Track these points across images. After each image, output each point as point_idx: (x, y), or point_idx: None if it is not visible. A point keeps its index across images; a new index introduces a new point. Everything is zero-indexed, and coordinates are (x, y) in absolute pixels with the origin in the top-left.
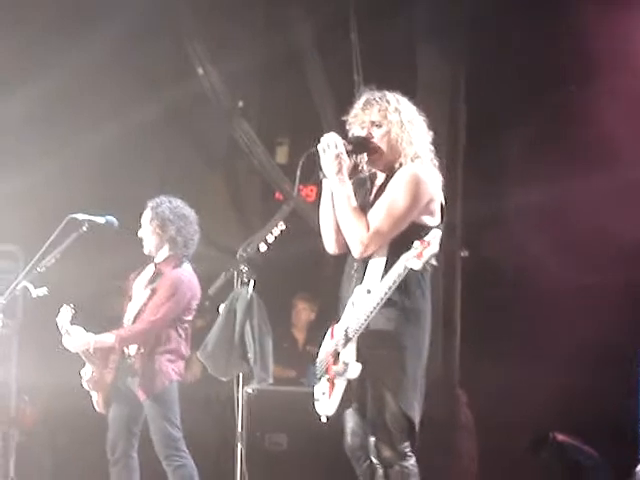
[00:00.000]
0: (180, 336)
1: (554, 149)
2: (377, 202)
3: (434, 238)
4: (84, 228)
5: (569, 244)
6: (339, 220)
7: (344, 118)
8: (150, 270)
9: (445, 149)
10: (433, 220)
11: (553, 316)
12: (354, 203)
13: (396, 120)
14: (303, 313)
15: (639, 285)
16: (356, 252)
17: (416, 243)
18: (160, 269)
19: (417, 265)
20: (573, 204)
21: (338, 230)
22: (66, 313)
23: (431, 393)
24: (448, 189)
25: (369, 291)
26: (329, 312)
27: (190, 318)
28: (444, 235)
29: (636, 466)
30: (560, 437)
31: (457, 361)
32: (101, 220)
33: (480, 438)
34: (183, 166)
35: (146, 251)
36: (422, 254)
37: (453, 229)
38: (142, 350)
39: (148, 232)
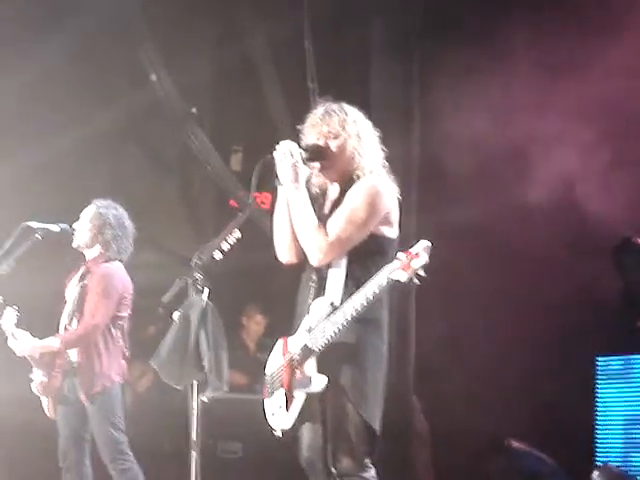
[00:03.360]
0: (116, 335)
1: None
2: (336, 211)
3: (423, 249)
4: (38, 236)
5: (522, 254)
6: (296, 228)
7: (300, 126)
8: (81, 269)
9: (400, 163)
10: (391, 231)
11: (508, 321)
12: (311, 210)
13: (354, 132)
14: (255, 321)
15: (598, 291)
16: (314, 260)
17: (400, 255)
18: (89, 267)
19: (404, 277)
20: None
21: (293, 238)
22: (10, 315)
23: (385, 400)
24: (403, 202)
25: (333, 304)
26: (281, 321)
27: (125, 314)
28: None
29: (591, 472)
30: (515, 444)
31: (412, 368)
32: (55, 228)
33: (435, 445)
34: (136, 173)
35: (75, 244)
36: (409, 265)
37: (408, 241)
38: (82, 353)
39: (85, 228)
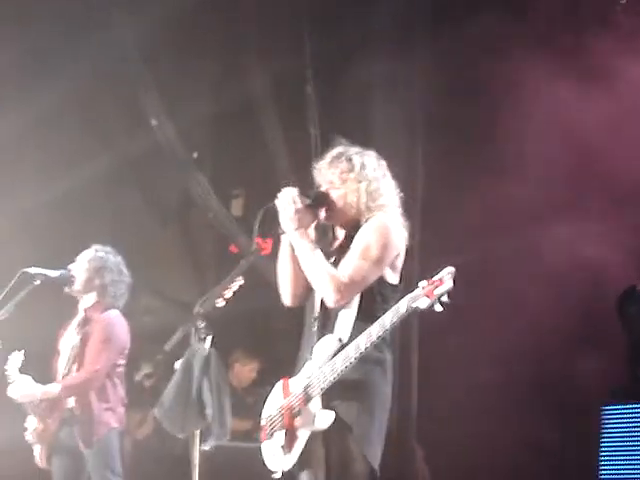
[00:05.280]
0: (115, 383)
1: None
2: (348, 251)
3: (447, 274)
4: (37, 282)
5: (524, 299)
6: (308, 273)
7: (314, 166)
8: (78, 317)
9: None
10: (395, 277)
11: (511, 368)
12: (320, 254)
13: (356, 183)
14: (249, 367)
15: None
16: (331, 301)
17: (422, 282)
18: (89, 315)
19: (425, 304)
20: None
21: (296, 284)
22: (15, 360)
23: (387, 447)
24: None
25: (340, 340)
26: (273, 367)
27: (123, 362)
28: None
29: None
30: None
31: (414, 414)
32: (54, 274)
33: None
34: (136, 220)
35: (69, 288)
36: (432, 293)
37: (410, 280)
38: (80, 400)
39: (82, 270)
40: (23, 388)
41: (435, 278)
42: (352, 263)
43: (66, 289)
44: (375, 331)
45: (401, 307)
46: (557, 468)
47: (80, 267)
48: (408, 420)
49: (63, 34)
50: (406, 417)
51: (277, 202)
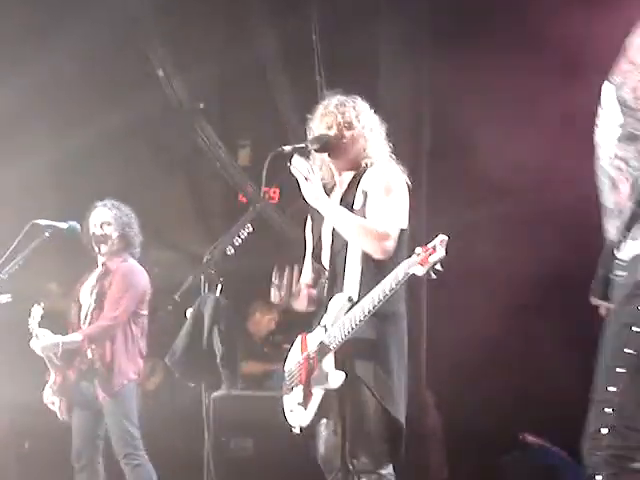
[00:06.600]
0: (136, 333)
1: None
2: (374, 200)
3: (440, 243)
4: (47, 234)
5: (530, 245)
6: (346, 234)
7: (310, 116)
8: (97, 270)
9: (407, 154)
10: (405, 222)
11: (521, 316)
12: (349, 213)
13: (367, 123)
14: (265, 318)
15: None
16: (378, 254)
17: (418, 249)
18: (108, 266)
19: (421, 271)
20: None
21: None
22: (37, 313)
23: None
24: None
25: (350, 299)
26: (294, 317)
27: (145, 313)
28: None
29: None
30: (529, 439)
31: (424, 362)
32: (63, 225)
33: (448, 441)
34: (144, 171)
35: (98, 250)
36: (427, 260)
37: (416, 233)
38: (99, 351)
39: (98, 222)
40: (45, 341)
41: (429, 245)
42: (382, 211)
43: (84, 241)
44: (376, 295)
45: (398, 273)
46: (571, 415)
47: (96, 220)
48: (419, 367)
49: None
50: (417, 364)
51: (293, 172)
